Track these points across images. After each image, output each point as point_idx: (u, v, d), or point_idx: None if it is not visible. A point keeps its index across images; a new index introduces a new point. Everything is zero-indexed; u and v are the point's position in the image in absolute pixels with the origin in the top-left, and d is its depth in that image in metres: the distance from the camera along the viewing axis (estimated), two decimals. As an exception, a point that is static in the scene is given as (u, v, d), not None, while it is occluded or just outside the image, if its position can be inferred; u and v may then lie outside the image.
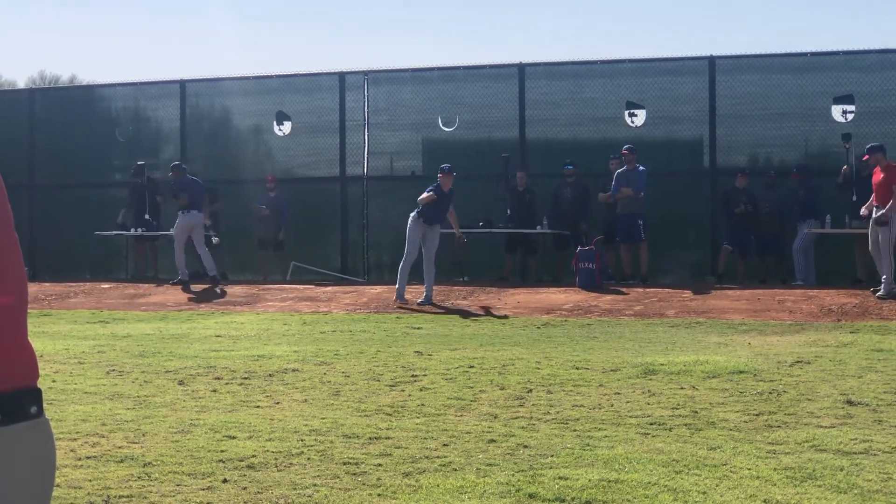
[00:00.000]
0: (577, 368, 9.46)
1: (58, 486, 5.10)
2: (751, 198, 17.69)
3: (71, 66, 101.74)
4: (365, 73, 20.73)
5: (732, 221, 17.88)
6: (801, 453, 5.99)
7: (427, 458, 5.96)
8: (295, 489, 5.30)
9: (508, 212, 18.71)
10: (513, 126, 19.69)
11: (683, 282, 17.66)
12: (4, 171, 1.89)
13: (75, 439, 6.47)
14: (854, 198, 16.21)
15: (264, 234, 19.95)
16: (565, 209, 18.32)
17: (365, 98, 20.59)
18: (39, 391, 1.84)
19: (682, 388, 8.29)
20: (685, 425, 6.84)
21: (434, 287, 16.22)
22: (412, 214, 16.16)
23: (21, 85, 53.11)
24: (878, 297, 14.79)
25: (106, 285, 19.16)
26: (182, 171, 18.65)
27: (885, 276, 14.83)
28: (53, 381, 8.74)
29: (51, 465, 1.87)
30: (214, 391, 8.42)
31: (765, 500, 5.01)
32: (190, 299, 17.46)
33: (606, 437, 6.51)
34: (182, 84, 21.80)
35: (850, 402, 7.54)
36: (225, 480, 5.47)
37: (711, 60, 18.77)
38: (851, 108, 17.82)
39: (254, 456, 6.00)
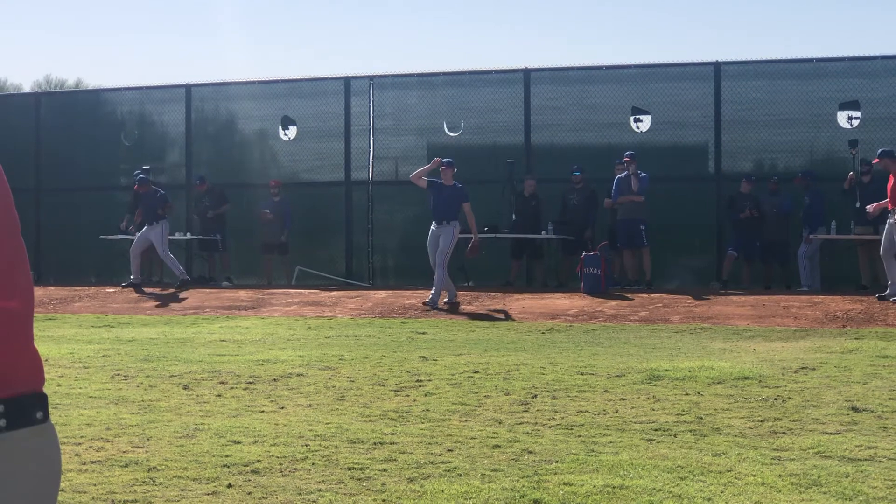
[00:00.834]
0: (582, 374, 9.45)
1: (63, 490, 5.10)
2: (756, 203, 17.68)
3: (77, 71, 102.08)
4: (370, 77, 20.75)
5: (737, 227, 17.88)
6: (805, 460, 5.98)
7: (432, 463, 5.95)
8: (300, 494, 5.29)
9: (514, 217, 18.72)
10: (518, 131, 19.69)
11: (688, 287, 17.64)
12: (10, 175, 1.89)
13: (80, 444, 6.48)
14: (857, 204, 16.19)
15: (268, 238, 20.02)
16: (573, 215, 18.32)
17: (370, 103, 20.60)
18: (45, 396, 1.85)
19: (686, 394, 8.28)
20: (690, 431, 6.83)
21: (449, 291, 16.18)
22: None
23: (27, 89, 53.26)
24: (879, 298, 14.84)
25: (111, 289, 19.18)
26: (144, 183, 18.99)
27: (891, 282, 14.88)
28: (58, 386, 8.74)
29: (56, 469, 1.87)
30: (219, 396, 8.42)
31: (770, 507, 5.00)
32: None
33: (611, 442, 6.50)
34: (188, 88, 21.83)
35: (855, 409, 7.53)
36: (230, 485, 5.47)
37: (717, 66, 18.77)
38: (857, 114, 17.81)
39: (258, 461, 6.00)
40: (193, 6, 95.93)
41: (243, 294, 18.04)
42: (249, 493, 5.32)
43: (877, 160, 15.34)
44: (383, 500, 5.19)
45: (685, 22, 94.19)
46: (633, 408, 7.74)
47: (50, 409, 1.86)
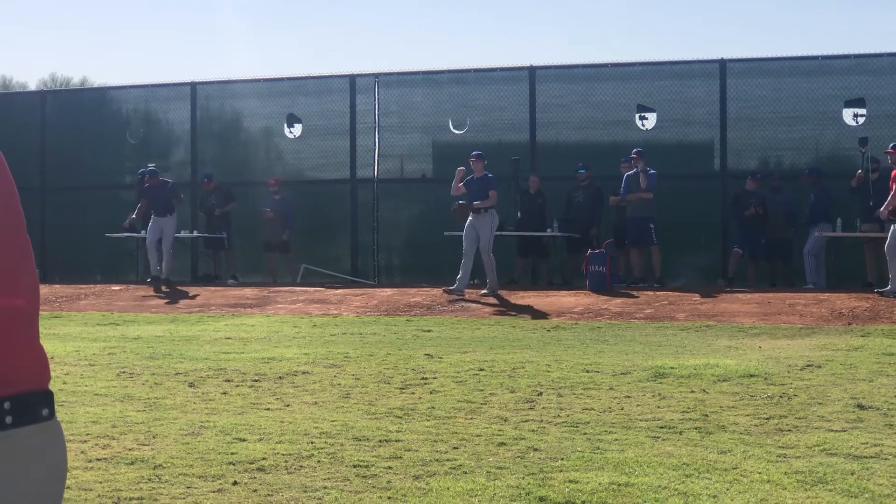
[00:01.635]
0: (588, 371, 9.45)
1: (68, 487, 5.11)
2: (761, 201, 17.65)
3: (82, 69, 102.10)
4: (375, 75, 20.75)
5: (742, 224, 17.86)
6: (811, 457, 5.98)
7: (437, 461, 5.96)
8: (305, 492, 5.30)
9: (519, 215, 18.72)
10: (523, 129, 19.68)
11: (694, 285, 17.62)
12: (15, 174, 1.89)
13: (86, 441, 6.49)
14: (871, 202, 16.12)
15: (270, 236, 20.04)
16: (578, 213, 18.30)
17: (375, 100, 20.59)
18: (51, 393, 1.85)
19: (692, 392, 8.28)
20: (695, 429, 6.83)
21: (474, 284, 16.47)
22: None
23: (32, 87, 53.29)
24: (878, 293, 14.84)
25: (116, 287, 19.20)
26: (154, 175, 19.04)
27: (892, 277, 14.91)
28: (64, 384, 8.76)
29: (62, 466, 1.87)
30: (225, 393, 8.43)
31: (775, 505, 5.00)
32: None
33: (616, 440, 6.50)
34: (193, 86, 21.83)
35: (860, 406, 7.52)
36: (235, 483, 5.48)
37: (722, 64, 18.73)
38: (863, 111, 17.78)
39: (264, 458, 6.00)
40: (199, 4, 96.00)
41: (249, 292, 18.05)
42: (255, 491, 5.32)
43: (891, 150, 15.45)
44: (389, 498, 5.19)
45: (691, 20, 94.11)
46: (638, 405, 7.74)
47: (56, 407, 1.86)
